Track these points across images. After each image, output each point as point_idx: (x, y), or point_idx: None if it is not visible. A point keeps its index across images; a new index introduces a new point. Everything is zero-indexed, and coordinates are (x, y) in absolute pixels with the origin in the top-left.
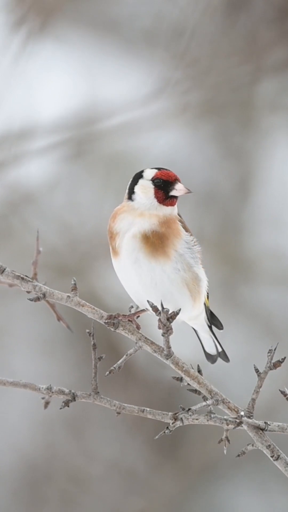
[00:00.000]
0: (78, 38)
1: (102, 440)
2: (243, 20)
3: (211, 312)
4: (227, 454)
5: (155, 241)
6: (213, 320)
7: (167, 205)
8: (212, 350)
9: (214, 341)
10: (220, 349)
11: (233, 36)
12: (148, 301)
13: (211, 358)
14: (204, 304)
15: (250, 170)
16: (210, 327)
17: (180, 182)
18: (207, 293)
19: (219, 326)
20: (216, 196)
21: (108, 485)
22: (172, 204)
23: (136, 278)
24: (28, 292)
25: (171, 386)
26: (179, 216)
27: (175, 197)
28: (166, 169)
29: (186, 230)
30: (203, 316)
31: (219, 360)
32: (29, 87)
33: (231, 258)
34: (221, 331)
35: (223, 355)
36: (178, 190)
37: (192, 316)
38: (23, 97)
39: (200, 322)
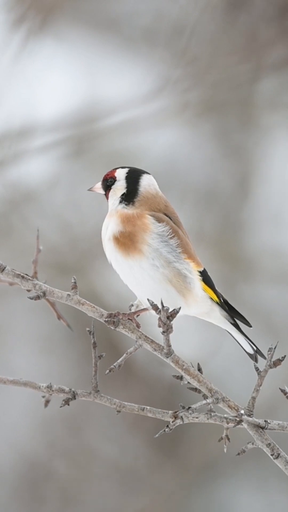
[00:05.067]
0: (78, 36)
1: (102, 439)
2: (243, 18)
3: (232, 308)
4: (227, 453)
5: (125, 241)
6: (239, 318)
7: (107, 199)
8: (249, 349)
9: (246, 340)
10: (254, 347)
11: (233, 34)
12: (148, 299)
13: (252, 357)
14: (213, 299)
15: (250, 168)
16: (234, 325)
17: (101, 180)
18: (213, 288)
19: (248, 324)
20: (216, 194)
21: (108, 483)
22: (106, 198)
23: (123, 277)
24: (28, 290)
25: (171, 385)
26: (165, 210)
27: (104, 193)
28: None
29: (175, 223)
30: (219, 312)
31: (219, 359)
32: (29, 85)
33: (231, 256)
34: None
35: (259, 352)
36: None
37: (198, 312)
38: (23, 95)
39: (218, 319)
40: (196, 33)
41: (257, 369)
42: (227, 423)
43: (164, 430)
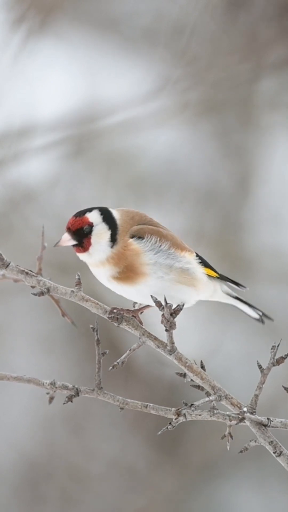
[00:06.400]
0: (78, 36)
1: (103, 438)
2: (243, 18)
3: (228, 279)
4: (227, 452)
5: (127, 275)
6: (233, 283)
7: (78, 252)
8: (254, 314)
9: (250, 307)
10: (260, 312)
11: (233, 33)
12: (151, 296)
13: (259, 321)
14: (214, 278)
15: (250, 167)
16: (236, 297)
17: (66, 231)
18: (211, 267)
19: (242, 287)
20: (216, 194)
21: (108, 483)
22: (79, 251)
23: (128, 297)
24: (33, 287)
25: (172, 384)
26: (139, 221)
27: (75, 245)
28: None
29: (153, 232)
30: (221, 289)
31: (219, 358)
32: (29, 85)
33: (231, 256)
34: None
35: (265, 315)
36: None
37: (207, 296)
38: (23, 95)
39: (221, 296)
40: (196, 33)
41: (260, 366)
42: (230, 420)
43: (167, 428)
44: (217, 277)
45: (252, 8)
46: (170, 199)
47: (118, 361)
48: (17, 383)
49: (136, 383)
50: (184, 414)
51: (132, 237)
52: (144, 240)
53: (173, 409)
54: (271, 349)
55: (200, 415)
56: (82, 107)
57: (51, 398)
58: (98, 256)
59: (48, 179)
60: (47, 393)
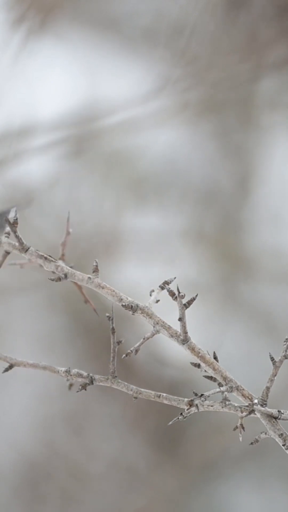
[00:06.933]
0: (78, 35)
1: (103, 438)
2: (244, 17)
3: None
4: (227, 452)
5: None
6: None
7: None
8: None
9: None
10: None
11: (233, 33)
12: (163, 285)
13: None
14: None
15: (250, 167)
16: None
17: None
18: None
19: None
20: (216, 194)
21: (108, 483)
22: None
23: None
24: (54, 272)
25: (172, 385)
26: None
27: None
28: None
29: None
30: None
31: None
32: (29, 85)
33: (231, 256)
34: None
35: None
36: None
37: None
38: (23, 95)
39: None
40: (196, 33)
41: (272, 358)
42: (242, 412)
43: (178, 418)
44: None
45: (252, 8)
46: (170, 199)
47: (132, 349)
48: (33, 369)
49: (136, 383)
50: (197, 405)
51: None
52: None
53: (186, 399)
54: (284, 341)
55: (212, 406)
56: (82, 107)
57: (71, 385)
58: None
59: (48, 179)
60: (67, 380)
